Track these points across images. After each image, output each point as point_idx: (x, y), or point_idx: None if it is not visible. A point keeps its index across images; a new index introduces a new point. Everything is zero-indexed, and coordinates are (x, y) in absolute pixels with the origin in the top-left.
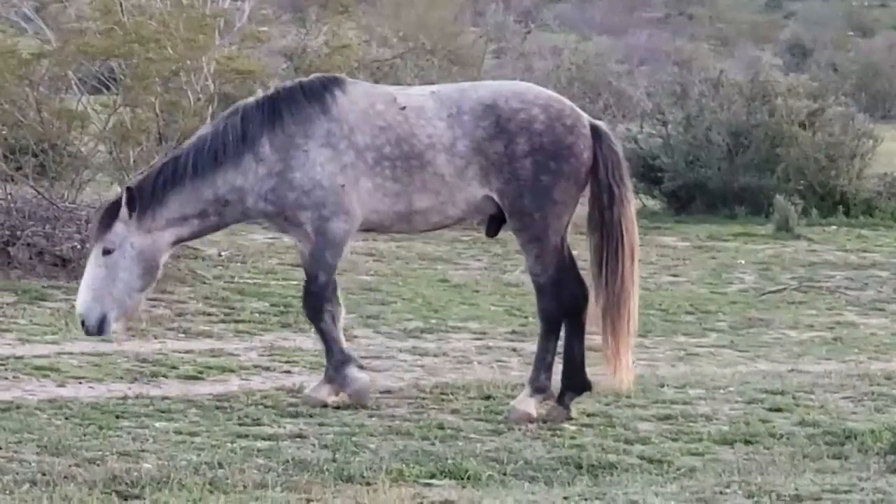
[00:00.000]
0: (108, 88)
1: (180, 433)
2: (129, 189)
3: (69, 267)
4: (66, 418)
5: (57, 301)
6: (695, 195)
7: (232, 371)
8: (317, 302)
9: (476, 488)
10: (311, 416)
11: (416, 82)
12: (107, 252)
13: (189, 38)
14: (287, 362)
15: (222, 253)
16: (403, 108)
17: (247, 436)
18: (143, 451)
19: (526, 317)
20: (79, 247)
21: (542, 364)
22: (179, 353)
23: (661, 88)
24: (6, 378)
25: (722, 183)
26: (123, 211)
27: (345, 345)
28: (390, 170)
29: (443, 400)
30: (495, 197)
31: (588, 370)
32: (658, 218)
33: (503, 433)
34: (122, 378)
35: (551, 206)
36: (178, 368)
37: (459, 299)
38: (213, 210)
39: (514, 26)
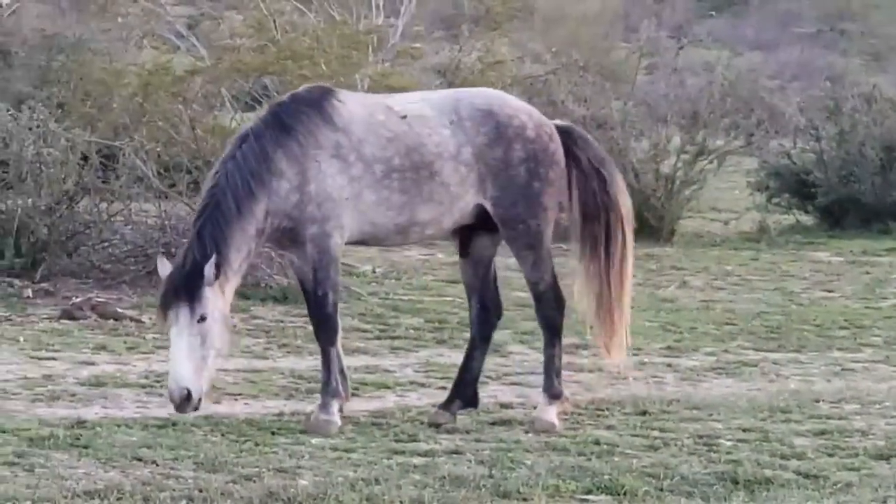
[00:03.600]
0: (261, 105)
1: (336, 449)
2: (218, 254)
3: None
4: (223, 435)
5: None
6: (848, 210)
7: (387, 387)
8: (333, 323)
9: None
10: (467, 432)
11: (569, 98)
12: (202, 319)
13: (342, 54)
14: (442, 378)
15: (376, 270)
16: (404, 116)
17: (403, 452)
18: (299, 467)
19: (681, 332)
20: None
21: (552, 370)
22: None
23: (814, 104)
24: (162, 395)
25: (875, 198)
26: (210, 275)
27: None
28: (399, 181)
29: (598, 416)
30: (488, 205)
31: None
32: (811, 233)
33: (659, 449)
34: (277, 394)
35: (542, 213)
36: None
37: None
38: (258, 238)
39: (666, 42)
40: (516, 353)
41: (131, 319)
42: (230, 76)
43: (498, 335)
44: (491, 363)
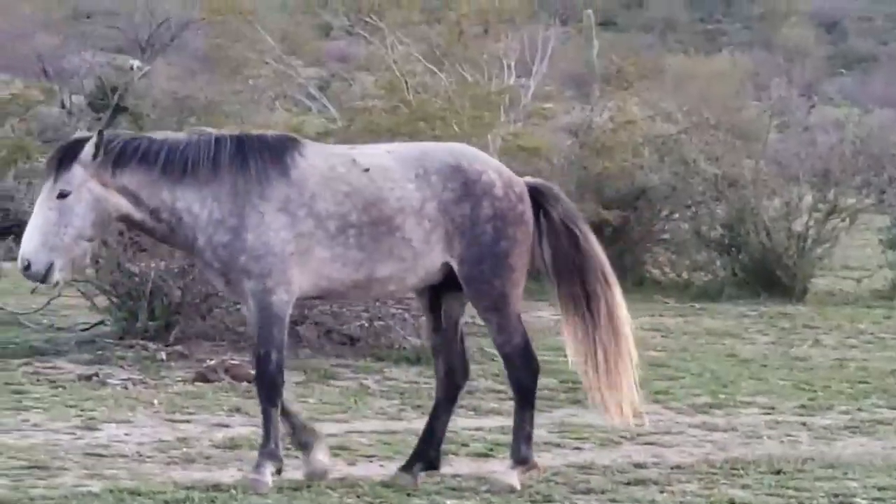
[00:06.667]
0: None
1: None
2: (100, 132)
3: (357, 345)
4: (358, 497)
5: (345, 380)
6: None
7: None
8: (275, 382)
9: None
10: (602, 492)
11: (700, 157)
12: (63, 195)
13: (474, 115)
14: (577, 438)
15: None
16: (367, 169)
17: None
18: None
19: (815, 391)
20: (367, 325)
21: (522, 435)
22: (470, 430)
23: None
24: (297, 457)
25: None
26: (87, 153)
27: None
28: (355, 238)
29: (733, 475)
30: (454, 263)
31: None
32: None
33: None
34: None
35: (509, 273)
36: (469, 446)
37: (748, 374)
38: (167, 217)
39: (797, 100)
40: (650, 412)
41: None
42: (362, 137)
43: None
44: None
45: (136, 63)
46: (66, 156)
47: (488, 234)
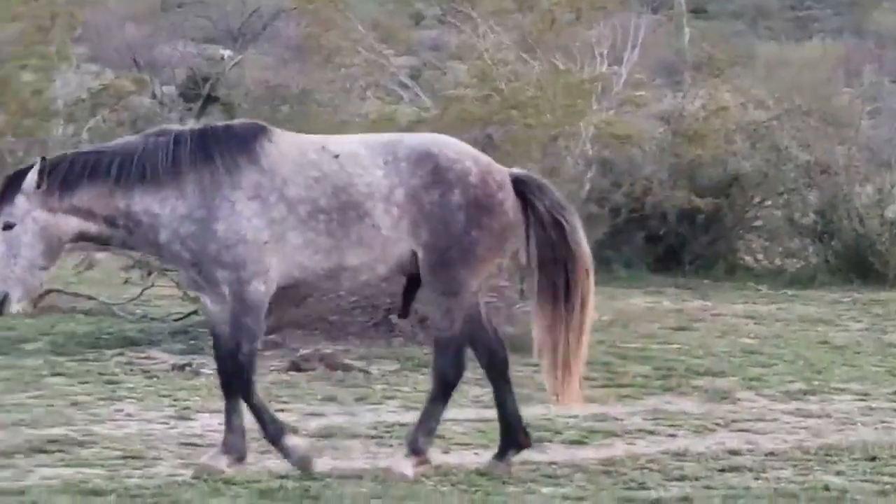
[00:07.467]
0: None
1: (567, 498)
2: (43, 159)
3: None
4: (453, 485)
5: None
6: None
7: (616, 435)
8: (246, 374)
9: None
10: (696, 479)
11: (792, 144)
12: (7, 227)
13: (566, 103)
14: (671, 426)
15: (603, 317)
16: (337, 155)
17: (633, 500)
18: None
19: None
20: None
21: (426, 426)
22: (564, 417)
23: None
24: (391, 446)
25: None
26: (29, 182)
27: (274, 414)
28: (325, 223)
29: (827, 461)
30: (420, 251)
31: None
32: None
33: (889, 494)
34: None
35: (474, 262)
36: (563, 433)
37: (841, 360)
38: (122, 223)
39: (888, 86)
40: (744, 399)
41: (359, 370)
42: (455, 126)
43: (725, 382)
44: (719, 410)
45: (227, 53)
46: (9, 187)
47: (459, 221)
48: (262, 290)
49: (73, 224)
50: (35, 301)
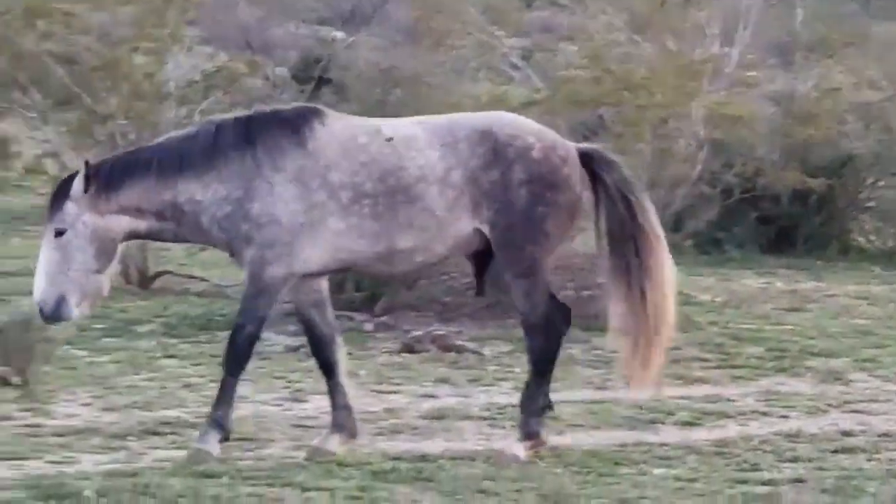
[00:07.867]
0: (597, 136)
1: (679, 479)
2: (86, 162)
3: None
4: (565, 466)
5: None
6: None
7: (729, 417)
8: (241, 354)
9: None
10: (809, 460)
11: None
12: (59, 233)
13: (678, 84)
14: (784, 407)
15: (716, 299)
16: (390, 139)
17: (745, 482)
18: (642, 497)
19: None
20: (574, 295)
21: (533, 408)
22: (676, 399)
23: None
24: (503, 427)
25: None
26: (76, 187)
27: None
28: (370, 207)
29: None
30: (485, 229)
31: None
32: None
33: None
34: (619, 425)
35: (543, 239)
36: (675, 415)
37: None
38: (170, 214)
39: None
40: (857, 380)
41: (472, 352)
42: (566, 107)
43: (838, 363)
44: (832, 391)
45: (339, 35)
46: (58, 195)
47: (522, 198)
48: (279, 274)
49: (124, 223)
50: (146, 283)
